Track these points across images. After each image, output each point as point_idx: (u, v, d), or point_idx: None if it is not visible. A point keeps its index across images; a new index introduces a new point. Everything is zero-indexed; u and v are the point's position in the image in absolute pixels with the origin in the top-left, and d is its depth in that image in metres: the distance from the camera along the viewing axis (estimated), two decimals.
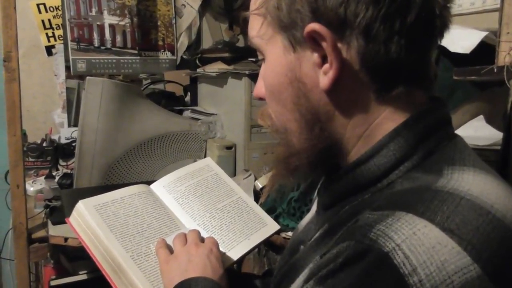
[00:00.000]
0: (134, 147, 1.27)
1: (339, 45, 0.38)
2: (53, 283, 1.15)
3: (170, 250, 0.60)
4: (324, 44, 0.38)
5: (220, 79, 1.38)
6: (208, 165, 0.79)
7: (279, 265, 0.53)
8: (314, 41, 0.39)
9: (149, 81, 1.85)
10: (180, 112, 1.50)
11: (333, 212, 0.43)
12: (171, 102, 1.60)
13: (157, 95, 1.66)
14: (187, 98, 1.70)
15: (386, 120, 0.41)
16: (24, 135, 1.60)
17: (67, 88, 1.61)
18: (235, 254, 0.65)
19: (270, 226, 0.72)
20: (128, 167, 1.27)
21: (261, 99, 0.48)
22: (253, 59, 1.33)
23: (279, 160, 0.46)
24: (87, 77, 1.20)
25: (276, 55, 0.43)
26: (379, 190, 0.39)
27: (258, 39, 0.44)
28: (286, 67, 0.42)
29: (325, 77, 0.39)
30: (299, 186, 1.10)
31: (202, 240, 0.61)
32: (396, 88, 0.40)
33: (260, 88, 0.47)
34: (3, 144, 1.73)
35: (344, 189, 0.42)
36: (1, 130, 1.71)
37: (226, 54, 1.34)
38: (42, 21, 1.57)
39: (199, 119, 1.41)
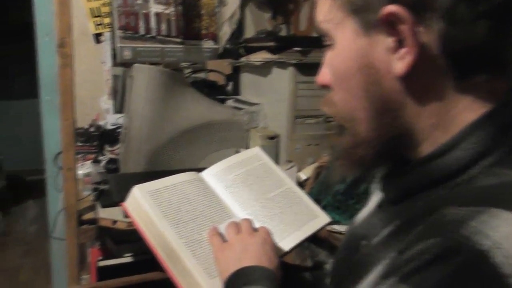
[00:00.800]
0: (178, 135, 1.27)
1: (418, 28, 0.36)
2: (100, 264, 1.19)
3: (223, 238, 0.60)
4: (402, 28, 0.36)
5: (264, 69, 1.36)
6: (257, 154, 0.78)
7: (337, 261, 0.51)
8: (390, 24, 0.37)
9: (190, 70, 1.86)
10: (222, 101, 1.50)
11: (404, 206, 0.40)
12: (213, 91, 1.60)
13: (199, 84, 1.66)
14: (229, 87, 1.69)
15: (465, 110, 0.38)
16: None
17: (113, 75, 1.64)
18: (286, 245, 0.64)
19: (321, 218, 0.71)
20: (172, 154, 1.28)
21: (324, 86, 0.46)
22: (298, 49, 1.31)
23: (344, 150, 0.44)
24: (134, 65, 1.21)
25: (345, 40, 0.41)
26: (457, 185, 0.36)
27: (326, 23, 0.42)
28: (356, 53, 0.40)
29: (400, 63, 0.37)
30: (345, 179, 1.07)
31: (254, 229, 0.60)
32: (477, 75, 0.37)
33: (324, 75, 0.45)
34: (54, 129, 1.79)
35: (417, 183, 0.40)
36: (53, 115, 1.77)
37: (271, 43, 1.33)
38: (91, 9, 1.60)
39: (242, 109, 1.41)
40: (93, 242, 1.29)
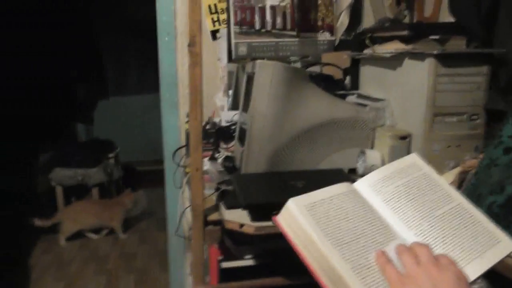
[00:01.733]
0: (300, 134, 1.21)
1: None
2: (224, 265, 1.17)
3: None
4: None
5: (393, 61, 1.23)
6: (415, 163, 0.67)
7: None
8: None
9: (299, 63, 1.77)
10: (342, 97, 1.40)
11: None
12: (330, 86, 1.50)
13: (315, 78, 1.58)
14: (347, 81, 1.58)
15: None
16: None
17: (228, 72, 1.63)
18: (468, 275, 0.53)
19: (506, 243, 0.58)
20: (293, 154, 1.21)
21: None
22: (436, 37, 1.15)
23: None
24: (258, 61, 1.16)
25: None
26: None
27: None
28: None
29: None
30: (503, 189, 0.91)
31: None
32: None
33: None
34: (173, 126, 1.85)
35: None
36: (172, 112, 1.83)
37: (403, 32, 1.18)
38: (209, 6, 1.60)
39: (366, 105, 1.29)
40: (212, 241, 1.29)
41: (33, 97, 3.94)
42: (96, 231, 3.32)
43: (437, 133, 1.12)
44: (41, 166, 3.55)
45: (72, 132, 4.76)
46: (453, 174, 1.07)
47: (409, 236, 0.57)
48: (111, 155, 3.93)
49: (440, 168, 1.11)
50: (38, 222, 3.21)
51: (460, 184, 1.05)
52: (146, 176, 3.71)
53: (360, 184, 0.63)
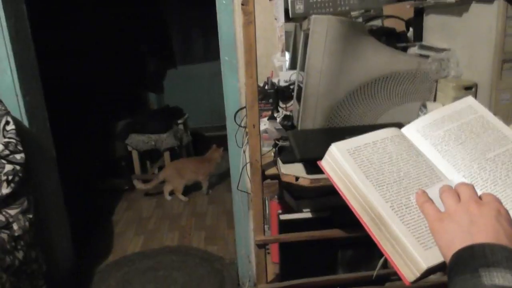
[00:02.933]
0: (357, 89, 1.19)
1: None
2: (282, 217, 1.23)
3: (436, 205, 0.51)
4: None
5: (458, 7, 1.15)
6: (471, 105, 0.65)
7: None
8: None
9: (360, 18, 1.71)
10: (404, 50, 1.35)
11: None
12: (392, 39, 1.44)
13: (375, 32, 1.52)
14: (410, 34, 1.51)
15: None
16: None
17: (285, 32, 1.63)
18: None
19: None
20: (350, 110, 1.21)
21: None
22: None
23: None
24: (312, 16, 1.15)
25: None
26: None
27: None
28: None
29: None
30: None
31: (479, 197, 0.50)
32: None
33: None
34: (233, 88, 1.91)
35: None
36: (232, 74, 1.88)
37: None
38: None
39: (429, 56, 1.23)
40: (272, 196, 1.34)
41: (110, 72, 4.23)
42: (170, 193, 3.57)
43: (506, 81, 1.05)
44: (119, 133, 3.85)
45: (145, 101, 5.06)
46: None
47: (457, 178, 0.57)
48: (180, 121, 4.13)
49: (509, 119, 1.05)
50: (139, 186, 3.51)
51: None
52: (213, 141, 3.86)
53: (408, 129, 0.63)
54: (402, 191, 0.54)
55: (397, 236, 0.50)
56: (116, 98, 4.23)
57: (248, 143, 1.11)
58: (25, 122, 1.96)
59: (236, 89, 1.84)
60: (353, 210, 0.56)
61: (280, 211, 1.31)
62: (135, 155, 3.81)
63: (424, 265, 0.48)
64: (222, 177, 3.81)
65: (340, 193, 0.58)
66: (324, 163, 0.61)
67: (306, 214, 1.25)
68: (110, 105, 4.10)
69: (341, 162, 0.57)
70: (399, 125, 0.66)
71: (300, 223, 1.26)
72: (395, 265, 0.51)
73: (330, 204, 1.25)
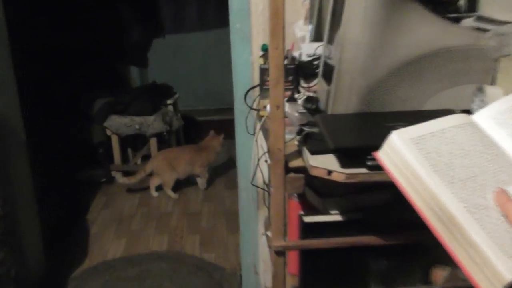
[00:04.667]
0: (401, 67, 1.19)
1: None
2: (306, 219, 1.23)
3: None
4: None
5: None
6: None
7: None
8: None
9: None
10: (456, 21, 1.34)
11: None
12: (441, 8, 1.44)
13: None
14: (461, 2, 1.50)
15: None
16: (265, 50, 1.71)
17: None
18: None
19: None
20: (392, 92, 1.21)
21: None
22: None
23: None
24: None
25: None
26: None
27: None
28: None
29: None
30: None
31: None
32: None
33: None
34: (244, 62, 1.91)
35: None
36: (244, 45, 1.88)
37: None
38: None
39: (488, 30, 1.23)
40: (295, 193, 1.34)
41: (85, 42, 4.18)
42: (158, 187, 3.57)
43: None
44: (96, 115, 3.84)
45: (126, 77, 5.04)
46: None
47: None
48: (169, 101, 4.13)
49: None
50: (123, 180, 3.49)
51: None
52: (207, 127, 3.87)
53: (480, 116, 0.64)
54: (477, 189, 0.55)
55: (475, 242, 0.51)
56: (93, 72, 4.21)
57: (268, 131, 1.11)
58: None
59: (248, 63, 1.84)
60: (417, 210, 0.57)
61: (302, 212, 1.31)
62: (115, 141, 3.81)
63: (509, 277, 0.48)
64: (219, 170, 3.82)
65: (402, 189, 0.58)
66: (382, 155, 0.61)
67: (333, 216, 1.26)
68: (86, 81, 4.08)
69: (404, 154, 0.57)
70: (461, 112, 0.66)
71: (326, 227, 1.26)
72: (471, 276, 0.51)
73: (362, 204, 1.25)
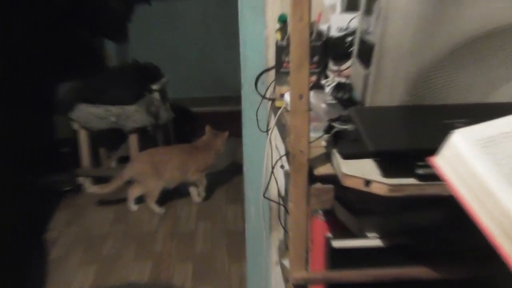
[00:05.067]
0: (460, 48, 1.20)
1: None
2: (336, 244, 1.24)
3: None
4: None
5: None
6: None
7: None
8: None
9: None
10: None
11: None
12: None
13: None
14: None
15: None
16: (284, 22, 1.72)
17: None
18: None
19: None
20: (449, 79, 1.22)
21: None
22: None
23: None
24: None
25: None
26: None
27: None
28: None
29: None
30: None
31: None
32: None
33: None
34: (256, 37, 1.92)
35: None
36: (256, 17, 1.89)
37: None
38: None
39: None
40: (320, 209, 1.35)
41: (48, 11, 4.20)
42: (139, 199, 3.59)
43: None
44: (60, 103, 3.86)
45: (100, 54, 5.07)
46: None
47: None
48: (155, 86, 4.14)
49: None
50: (93, 189, 3.50)
51: None
52: (205, 121, 3.87)
53: None
54: None
55: None
56: (57, 48, 4.23)
57: (286, 128, 1.12)
58: None
59: (262, 39, 1.85)
60: (485, 232, 0.57)
61: (329, 235, 1.32)
62: (83, 137, 3.83)
63: None
64: (220, 178, 3.83)
65: (465, 207, 0.59)
66: (440, 161, 0.62)
67: (371, 240, 1.27)
68: (48, 59, 4.11)
69: (470, 159, 0.58)
70: None
71: (361, 254, 1.27)
72: None
73: (410, 225, 1.26)
